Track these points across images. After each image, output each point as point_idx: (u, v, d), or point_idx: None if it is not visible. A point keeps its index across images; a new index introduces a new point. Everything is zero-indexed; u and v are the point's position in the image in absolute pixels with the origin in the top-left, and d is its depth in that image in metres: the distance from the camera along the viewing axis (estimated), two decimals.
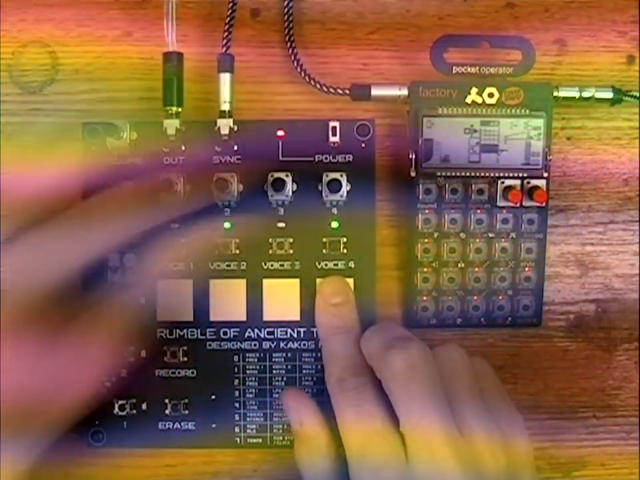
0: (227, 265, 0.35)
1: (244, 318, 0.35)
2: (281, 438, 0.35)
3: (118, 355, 0.32)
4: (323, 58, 0.36)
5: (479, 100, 0.34)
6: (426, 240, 0.35)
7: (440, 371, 0.29)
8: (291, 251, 0.35)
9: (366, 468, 0.29)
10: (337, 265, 0.35)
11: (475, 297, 0.35)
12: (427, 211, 0.35)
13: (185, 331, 0.35)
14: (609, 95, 0.34)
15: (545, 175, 0.34)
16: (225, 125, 0.33)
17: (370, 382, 0.30)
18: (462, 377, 0.30)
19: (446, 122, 0.34)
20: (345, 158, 0.34)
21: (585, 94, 0.34)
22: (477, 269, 0.35)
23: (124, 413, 0.34)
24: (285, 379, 0.35)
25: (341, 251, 0.35)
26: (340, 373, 0.31)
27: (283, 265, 0.35)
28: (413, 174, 0.34)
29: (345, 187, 0.34)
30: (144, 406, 0.34)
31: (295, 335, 0.35)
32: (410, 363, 0.28)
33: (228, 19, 0.34)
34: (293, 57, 0.35)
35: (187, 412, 0.35)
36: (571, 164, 0.36)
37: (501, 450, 0.28)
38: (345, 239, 0.35)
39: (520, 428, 0.30)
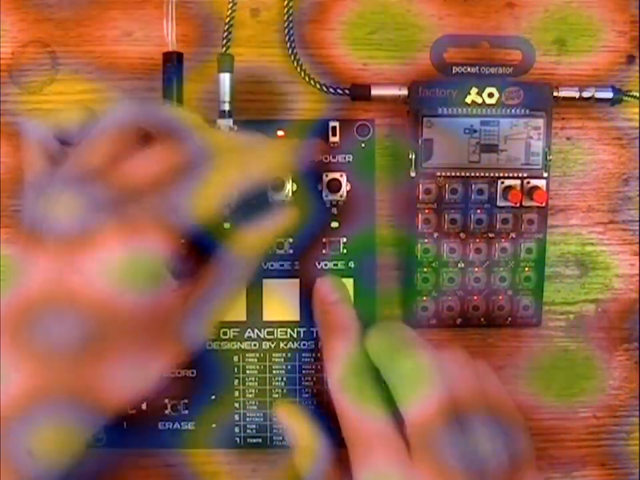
0: None
1: (244, 318, 0.35)
2: (281, 438, 0.35)
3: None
4: (323, 58, 0.36)
5: (479, 100, 0.34)
6: (426, 240, 0.35)
7: (444, 373, 0.29)
8: (291, 251, 0.35)
9: (369, 468, 0.29)
10: (336, 265, 0.35)
11: (475, 297, 0.35)
12: (426, 211, 0.35)
13: None
14: (609, 94, 0.34)
15: (545, 175, 0.34)
16: (225, 125, 0.33)
17: (371, 381, 0.30)
18: (465, 379, 0.30)
19: (446, 122, 0.34)
20: (344, 158, 0.34)
21: (585, 94, 0.34)
22: (476, 269, 0.35)
23: (124, 413, 0.34)
24: (284, 379, 0.35)
25: (341, 250, 0.35)
26: (341, 372, 0.31)
27: (282, 265, 0.35)
28: (412, 174, 0.34)
29: (345, 187, 0.34)
30: (144, 406, 0.35)
31: (295, 335, 0.35)
32: (418, 369, 0.28)
33: (228, 18, 0.34)
34: (292, 57, 0.35)
35: (186, 412, 0.35)
36: (571, 164, 0.36)
37: (503, 450, 0.28)
38: (344, 239, 0.35)
39: (521, 428, 0.30)
